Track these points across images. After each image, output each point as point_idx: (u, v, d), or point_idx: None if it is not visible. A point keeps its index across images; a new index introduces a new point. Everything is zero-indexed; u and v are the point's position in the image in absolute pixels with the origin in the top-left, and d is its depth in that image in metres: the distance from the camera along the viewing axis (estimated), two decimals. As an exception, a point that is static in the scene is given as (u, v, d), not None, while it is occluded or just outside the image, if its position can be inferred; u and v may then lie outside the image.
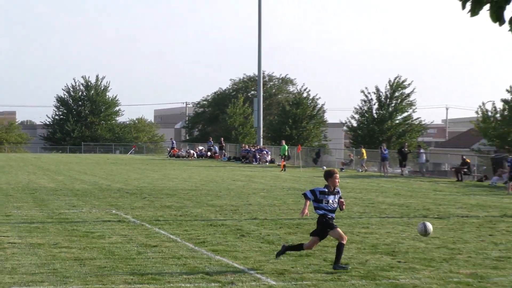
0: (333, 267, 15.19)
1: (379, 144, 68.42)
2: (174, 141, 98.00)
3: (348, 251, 17.65)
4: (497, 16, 6.32)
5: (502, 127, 63.63)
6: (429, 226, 16.78)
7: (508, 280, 14.29)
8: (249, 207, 28.42)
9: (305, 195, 15.59)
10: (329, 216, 15.38)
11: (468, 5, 6.32)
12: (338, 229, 15.49)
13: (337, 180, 15.66)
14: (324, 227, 15.38)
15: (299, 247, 16.06)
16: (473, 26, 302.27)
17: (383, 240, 19.86)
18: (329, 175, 15.73)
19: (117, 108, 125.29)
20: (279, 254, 15.95)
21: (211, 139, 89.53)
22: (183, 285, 13.55)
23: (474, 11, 6.36)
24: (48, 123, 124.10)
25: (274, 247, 18.23)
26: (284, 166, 60.52)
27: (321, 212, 15.37)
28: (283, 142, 68.95)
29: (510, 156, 42.60)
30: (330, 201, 15.29)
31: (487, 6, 6.39)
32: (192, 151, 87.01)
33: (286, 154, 65.14)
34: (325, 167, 66.65)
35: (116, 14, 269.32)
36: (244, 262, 16.00)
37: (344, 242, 15.48)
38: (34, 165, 62.31)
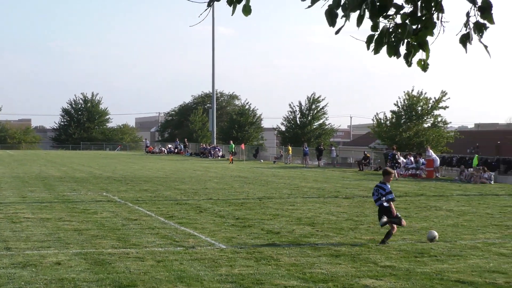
0: (380, 242, 14.17)
1: (301, 143, 68.53)
2: (147, 141, 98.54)
3: (279, 223, 17.59)
4: (395, 52, 6.27)
5: (391, 131, 64.19)
6: (437, 237, 14.84)
7: (397, 244, 14.34)
8: (206, 190, 28.23)
9: (393, 198, 14.29)
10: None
11: (371, 46, 6.28)
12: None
13: (391, 179, 14.88)
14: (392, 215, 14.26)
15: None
16: (372, 60, 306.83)
17: (305, 214, 19.84)
18: (387, 173, 14.76)
19: (107, 117, 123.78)
20: (384, 223, 14.33)
21: (177, 140, 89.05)
22: (156, 249, 13.32)
23: (377, 50, 6.32)
24: (55, 127, 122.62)
25: (225, 220, 18.10)
26: (232, 160, 60.37)
27: (386, 204, 14.31)
28: (231, 142, 68.85)
29: (390, 152, 43.12)
30: None
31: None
32: (163, 149, 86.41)
33: (233, 150, 64.93)
34: (262, 160, 66.79)
35: (111, 47, 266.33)
36: (202, 232, 15.83)
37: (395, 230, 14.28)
38: (44, 159, 61.28)
